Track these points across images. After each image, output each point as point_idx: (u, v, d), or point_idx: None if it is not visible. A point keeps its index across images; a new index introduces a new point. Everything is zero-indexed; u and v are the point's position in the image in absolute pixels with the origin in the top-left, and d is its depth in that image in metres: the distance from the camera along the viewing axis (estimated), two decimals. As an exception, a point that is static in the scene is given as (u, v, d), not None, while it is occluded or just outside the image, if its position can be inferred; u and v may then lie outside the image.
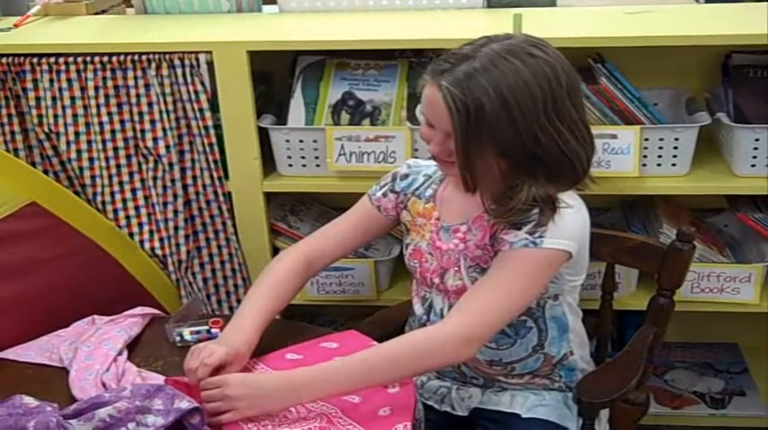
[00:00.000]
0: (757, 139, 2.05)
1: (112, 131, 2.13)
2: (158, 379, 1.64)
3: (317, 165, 2.18)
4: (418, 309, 1.80)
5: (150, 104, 2.10)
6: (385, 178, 1.84)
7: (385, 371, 1.54)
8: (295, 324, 1.96)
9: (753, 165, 2.08)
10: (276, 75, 2.35)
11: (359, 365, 1.53)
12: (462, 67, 1.52)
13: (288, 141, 2.16)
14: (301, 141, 2.16)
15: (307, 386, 1.51)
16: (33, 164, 2.16)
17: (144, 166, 2.16)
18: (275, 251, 2.28)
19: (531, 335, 1.72)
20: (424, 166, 1.82)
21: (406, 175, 1.82)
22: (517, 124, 1.50)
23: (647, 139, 2.07)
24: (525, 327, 1.71)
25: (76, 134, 2.13)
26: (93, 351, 1.72)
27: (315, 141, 2.15)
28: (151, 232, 2.20)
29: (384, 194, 1.82)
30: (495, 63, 1.51)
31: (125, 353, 1.74)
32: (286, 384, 1.52)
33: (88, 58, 2.07)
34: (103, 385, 1.62)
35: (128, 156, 2.15)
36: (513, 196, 1.57)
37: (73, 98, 2.10)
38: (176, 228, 2.19)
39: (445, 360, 1.60)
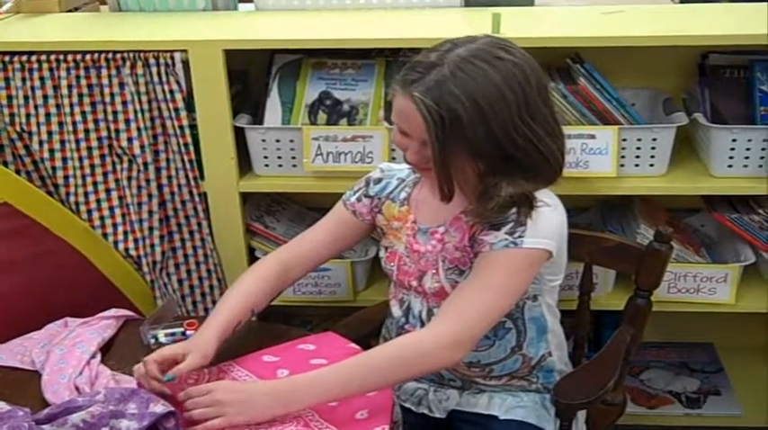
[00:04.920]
0: (734, 140, 2.05)
1: (86, 131, 2.10)
2: (132, 382, 1.62)
3: (294, 166, 2.17)
4: (396, 311, 1.79)
5: (125, 103, 2.07)
6: (359, 183, 1.83)
7: (375, 377, 1.52)
8: (271, 326, 1.94)
9: (729, 166, 2.08)
10: (252, 74, 2.34)
11: (349, 371, 1.52)
12: (432, 75, 1.50)
13: (264, 141, 2.14)
14: (278, 141, 2.14)
15: (296, 393, 1.49)
16: (5, 163, 2.13)
17: (118, 166, 2.13)
18: (251, 252, 2.26)
19: (509, 337, 1.72)
20: (397, 170, 1.81)
21: (380, 179, 1.81)
22: (493, 129, 1.50)
23: (624, 140, 2.07)
24: (504, 328, 1.71)
25: (49, 133, 2.10)
26: (65, 354, 1.69)
27: (291, 141, 2.14)
28: (125, 233, 2.17)
29: (358, 199, 1.81)
30: (463, 69, 1.50)
31: (98, 356, 1.71)
32: (275, 390, 1.51)
33: (61, 56, 2.04)
34: (77, 389, 1.60)
35: (102, 156, 2.13)
36: (492, 196, 1.56)
37: (46, 97, 2.07)
38: (151, 229, 2.17)
39: (435, 365, 1.59)
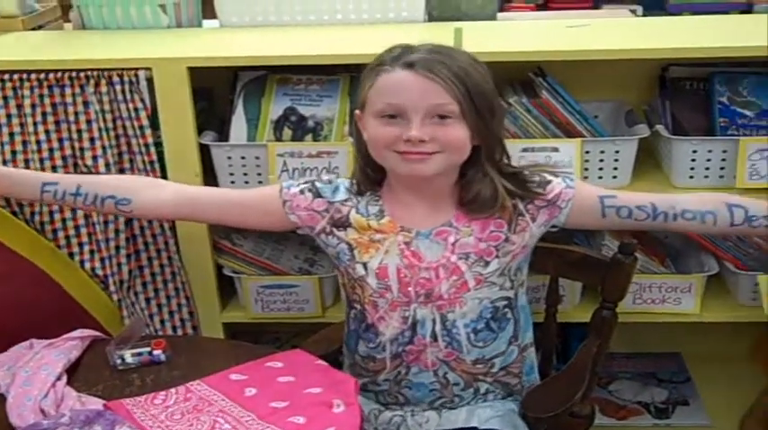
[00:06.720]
0: (695, 151, 2.08)
1: (50, 150, 2.08)
2: (98, 403, 1.61)
3: (260, 182, 2.16)
4: (394, 328, 1.71)
5: (89, 122, 2.06)
6: (303, 179, 1.81)
7: None
8: (239, 344, 1.94)
9: (691, 177, 2.11)
10: (217, 91, 2.33)
11: None
12: (421, 52, 1.56)
13: (230, 158, 2.14)
14: (243, 158, 2.14)
15: None
16: (-32, 184, 2.11)
17: (83, 185, 2.12)
18: (219, 269, 2.25)
19: (509, 328, 1.73)
20: (340, 180, 1.79)
21: (329, 181, 1.78)
22: (492, 102, 1.59)
23: (587, 152, 2.09)
24: (505, 319, 1.73)
25: (13, 153, 2.08)
26: (31, 376, 1.68)
27: (257, 158, 2.14)
28: (92, 252, 2.16)
29: (301, 191, 1.75)
30: (440, 51, 1.57)
31: (64, 378, 1.70)
32: None
33: (24, 75, 2.02)
34: (42, 411, 1.59)
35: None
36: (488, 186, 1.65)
37: (9, 116, 2.05)
38: (117, 248, 2.15)
39: None
